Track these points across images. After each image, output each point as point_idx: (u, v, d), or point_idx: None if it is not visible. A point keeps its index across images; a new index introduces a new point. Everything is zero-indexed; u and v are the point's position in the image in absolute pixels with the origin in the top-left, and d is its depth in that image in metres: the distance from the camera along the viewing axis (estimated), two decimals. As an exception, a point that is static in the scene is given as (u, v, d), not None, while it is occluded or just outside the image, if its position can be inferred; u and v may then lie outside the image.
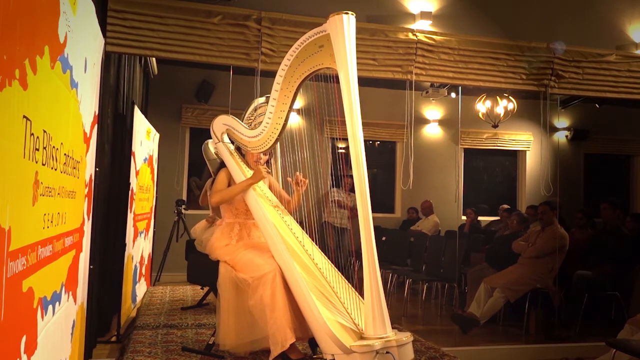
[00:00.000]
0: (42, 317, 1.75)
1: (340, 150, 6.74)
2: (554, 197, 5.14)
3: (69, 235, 2.17)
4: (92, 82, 2.65)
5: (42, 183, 1.63)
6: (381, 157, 8.21)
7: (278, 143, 3.08)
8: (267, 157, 3.27)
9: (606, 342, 3.27)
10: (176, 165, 6.77)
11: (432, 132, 7.97)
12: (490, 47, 4.58)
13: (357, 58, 2.70)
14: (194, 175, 7.00)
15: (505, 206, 7.09)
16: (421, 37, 4.42)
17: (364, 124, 2.68)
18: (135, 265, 4.73)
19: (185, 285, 5.69)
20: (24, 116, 1.42)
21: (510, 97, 6.83)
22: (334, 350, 2.58)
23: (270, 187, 3.33)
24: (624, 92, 4.91)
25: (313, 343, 2.95)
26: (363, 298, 2.71)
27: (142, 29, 3.90)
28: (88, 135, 2.56)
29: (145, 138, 4.89)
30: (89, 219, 2.75)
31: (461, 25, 5.07)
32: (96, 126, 2.88)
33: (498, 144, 8.14)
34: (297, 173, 3.09)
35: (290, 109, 2.91)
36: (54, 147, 1.77)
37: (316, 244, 3.12)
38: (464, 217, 7.27)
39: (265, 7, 4.17)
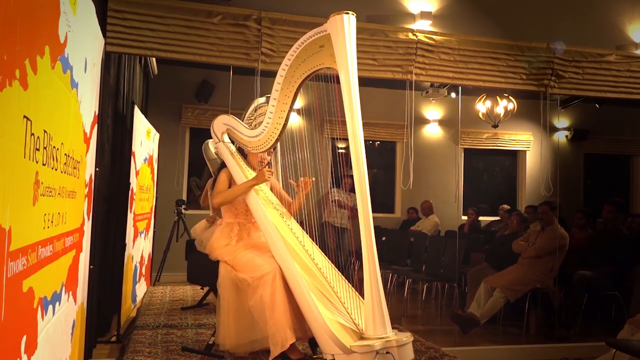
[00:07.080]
0: (43, 317, 1.75)
1: (340, 150, 6.75)
2: (554, 197, 5.14)
3: (69, 235, 2.16)
4: (92, 82, 2.65)
5: (42, 183, 1.63)
6: (381, 157, 8.21)
7: (278, 143, 3.07)
8: (270, 157, 3.27)
9: (606, 342, 3.27)
10: (176, 165, 6.77)
11: (432, 132, 7.97)
12: (490, 47, 4.58)
13: (357, 58, 2.70)
14: (194, 175, 6.99)
15: (506, 206, 7.09)
16: (421, 37, 4.42)
17: (364, 124, 2.68)
18: (135, 265, 4.73)
19: (185, 285, 5.69)
20: (25, 116, 1.42)
21: (510, 97, 6.83)
22: (334, 350, 2.58)
23: (271, 188, 3.33)
24: (624, 92, 4.91)
25: (313, 343, 2.95)
26: (363, 298, 2.71)
27: (142, 29, 3.90)
28: (88, 135, 2.56)
29: (145, 138, 4.89)
30: (89, 219, 2.75)
31: (461, 25, 5.07)
32: (96, 126, 2.88)
33: (498, 144, 8.14)
34: (302, 178, 3.08)
35: (291, 109, 2.91)
36: (54, 147, 1.77)
37: (316, 244, 3.12)
38: (464, 217, 7.27)
39: (265, 7, 4.17)
